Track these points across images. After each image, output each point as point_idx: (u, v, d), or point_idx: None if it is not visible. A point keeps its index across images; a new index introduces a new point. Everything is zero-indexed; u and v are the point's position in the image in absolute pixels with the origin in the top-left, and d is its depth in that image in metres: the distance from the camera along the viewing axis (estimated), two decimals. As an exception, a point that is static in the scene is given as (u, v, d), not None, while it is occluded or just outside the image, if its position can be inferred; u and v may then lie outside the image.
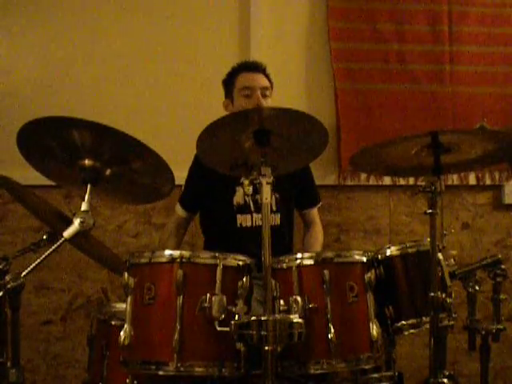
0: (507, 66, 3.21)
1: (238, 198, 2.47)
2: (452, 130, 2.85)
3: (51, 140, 1.72)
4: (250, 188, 2.44)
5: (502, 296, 2.06)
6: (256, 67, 2.51)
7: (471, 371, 3.02)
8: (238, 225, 2.46)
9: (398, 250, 1.99)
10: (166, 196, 1.97)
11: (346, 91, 3.12)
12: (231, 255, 1.79)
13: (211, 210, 2.56)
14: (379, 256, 1.96)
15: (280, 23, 3.14)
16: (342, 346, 1.75)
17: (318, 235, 2.65)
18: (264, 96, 2.43)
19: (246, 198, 2.47)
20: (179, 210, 2.60)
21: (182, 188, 2.63)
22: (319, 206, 2.70)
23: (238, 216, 2.46)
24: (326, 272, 1.78)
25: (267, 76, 2.52)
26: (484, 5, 3.20)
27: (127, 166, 1.80)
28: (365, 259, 1.86)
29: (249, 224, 2.46)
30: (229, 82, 2.53)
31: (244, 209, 2.47)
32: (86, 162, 1.74)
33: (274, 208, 2.45)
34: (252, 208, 2.46)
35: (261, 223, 1.67)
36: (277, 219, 2.46)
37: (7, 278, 1.59)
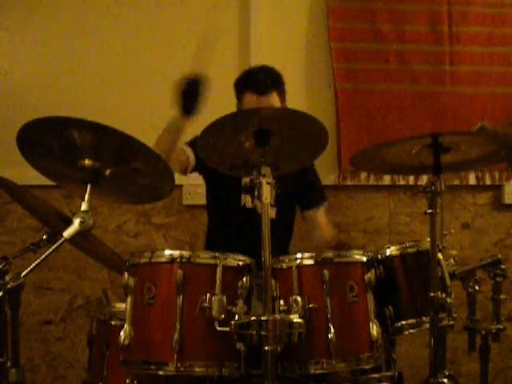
0: (507, 66, 3.21)
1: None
2: (452, 131, 2.85)
3: (51, 140, 1.72)
4: None
5: (502, 296, 2.06)
6: (264, 90, 2.38)
7: (471, 371, 3.02)
8: (242, 204, 2.45)
9: (397, 249, 1.98)
10: (165, 196, 1.98)
11: (346, 91, 3.12)
12: (231, 255, 1.79)
13: (218, 185, 2.52)
14: (379, 256, 1.95)
15: (280, 23, 3.13)
16: (342, 346, 1.75)
17: (318, 241, 2.57)
18: None
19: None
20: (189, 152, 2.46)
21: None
22: (323, 206, 2.62)
23: (243, 195, 2.44)
24: (325, 272, 1.77)
25: (278, 88, 2.42)
26: (484, 5, 3.20)
27: (127, 166, 1.80)
28: (365, 259, 1.86)
29: (250, 205, 2.40)
30: (237, 92, 2.47)
31: (249, 189, 2.44)
32: (86, 161, 1.74)
33: (272, 202, 2.42)
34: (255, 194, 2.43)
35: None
36: (272, 213, 2.42)
37: (7, 278, 1.59)
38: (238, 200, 2.45)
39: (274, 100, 2.40)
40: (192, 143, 2.44)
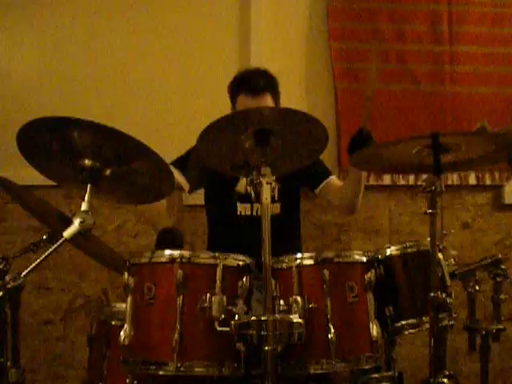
0: (507, 66, 3.21)
1: (240, 186, 2.46)
2: (452, 131, 2.85)
3: (51, 140, 1.72)
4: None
5: (501, 296, 2.06)
6: (258, 91, 2.36)
7: (471, 371, 3.02)
8: (238, 213, 2.46)
9: (397, 249, 1.98)
10: (166, 196, 1.98)
11: (346, 91, 3.12)
12: (231, 255, 1.79)
13: (214, 197, 2.54)
14: (379, 256, 1.95)
15: (280, 23, 3.14)
16: (342, 346, 1.75)
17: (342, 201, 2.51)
18: None
19: (248, 188, 2.43)
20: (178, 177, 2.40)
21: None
22: (333, 177, 2.57)
23: (238, 204, 2.46)
24: (326, 272, 1.77)
25: (272, 91, 2.41)
26: (484, 5, 3.20)
27: (127, 166, 1.80)
28: (365, 259, 1.86)
29: (248, 213, 2.45)
30: (231, 96, 2.45)
31: (244, 198, 2.44)
32: (86, 162, 1.74)
33: (276, 197, 2.36)
34: (253, 197, 2.43)
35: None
36: (277, 208, 2.42)
37: (7, 277, 1.59)
38: (235, 209, 2.45)
39: (267, 102, 2.37)
40: (180, 162, 2.44)
